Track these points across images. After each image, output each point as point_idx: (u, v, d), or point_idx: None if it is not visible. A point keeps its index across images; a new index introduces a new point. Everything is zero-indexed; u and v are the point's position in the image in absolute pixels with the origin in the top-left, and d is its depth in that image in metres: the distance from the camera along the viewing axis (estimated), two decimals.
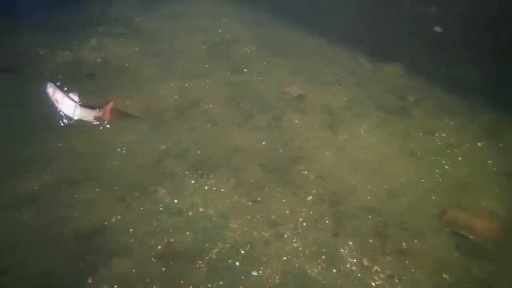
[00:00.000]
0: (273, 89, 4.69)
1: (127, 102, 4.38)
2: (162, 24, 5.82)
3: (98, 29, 5.59)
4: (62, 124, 3.26)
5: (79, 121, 3.32)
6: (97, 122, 3.45)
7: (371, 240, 2.99)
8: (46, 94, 3.23)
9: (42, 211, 3.25)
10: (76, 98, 3.38)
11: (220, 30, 5.74)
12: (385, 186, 3.43)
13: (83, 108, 3.32)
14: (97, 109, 3.37)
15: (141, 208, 3.36)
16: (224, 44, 5.43)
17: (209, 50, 5.29)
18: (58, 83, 3.37)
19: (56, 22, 5.56)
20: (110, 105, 3.43)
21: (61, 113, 3.27)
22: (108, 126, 3.80)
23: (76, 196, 3.40)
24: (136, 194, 3.45)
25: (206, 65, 4.98)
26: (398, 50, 5.56)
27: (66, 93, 3.35)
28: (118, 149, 3.85)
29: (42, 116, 4.11)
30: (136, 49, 5.24)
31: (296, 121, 4.26)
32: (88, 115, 3.34)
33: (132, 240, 3.09)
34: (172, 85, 4.65)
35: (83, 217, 3.25)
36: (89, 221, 3.23)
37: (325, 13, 5.77)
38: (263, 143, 4.01)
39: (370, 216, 3.10)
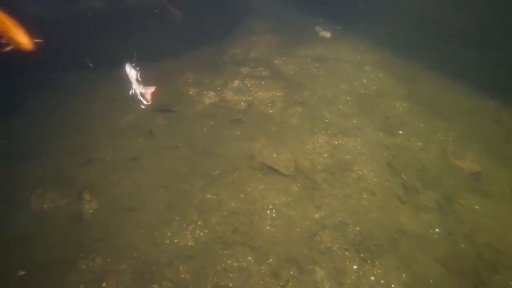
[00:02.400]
0: (438, 159, 4.03)
1: (275, 155, 4.19)
2: (303, 68, 5.65)
3: (240, 69, 5.67)
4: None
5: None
6: (141, 98, 4.04)
7: None
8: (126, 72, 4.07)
9: (199, 273, 3.13)
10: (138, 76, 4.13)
11: (364, 80, 5.32)
12: None
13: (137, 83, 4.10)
14: (143, 87, 4.09)
15: None
16: (370, 97, 4.99)
17: (355, 102, 4.90)
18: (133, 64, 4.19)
19: (202, 62, 5.81)
20: (153, 89, 4.12)
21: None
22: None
23: (229, 261, 3.21)
24: (291, 272, 3.12)
25: (354, 121, 4.58)
26: None
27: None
28: (268, 211, 3.62)
29: (194, 160, 4.18)
30: (279, 94, 5.12)
31: (477, 206, 3.52)
32: (138, 89, 4.09)
33: None
34: (320, 140, 4.34)
35: None
36: None
37: (503, 67, 4.88)
38: (436, 229, 3.37)
39: None
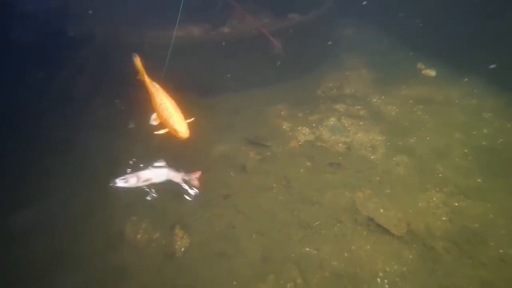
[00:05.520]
0: None
1: (381, 211, 3.68)
2: (406, 109, 5.11)
3: (335, 106, 5.30)
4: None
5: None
6: (187, 186, 3.06)
7: None
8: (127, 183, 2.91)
9: None
10: (162, 163, 3.14)
11: (484, 130, 4.60)
12: None
13: (171, 171, 3.07)
14: (183, 173, 3.08)
15: None
16: (497, 152, 4.24)
17: (476, 157, 4.20)
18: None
19: (294, 95, 5.58)
20: (198, 174, 3.09)
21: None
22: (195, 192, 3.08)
23: None
24: None
25: (478, 179, 3.89)
26: None
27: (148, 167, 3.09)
28: (379, 280, 3.09)
29: (291, 206, 3.82)
30: (379, 138, 4.63)
31: None
32: (177, 177, 3.05)
33: None
34: (434, 199, 3.73)
35: None
36: None
37: None
38: None
39: None
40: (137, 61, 3.37)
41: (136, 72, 3.43)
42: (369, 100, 5.40)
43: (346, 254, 3.32)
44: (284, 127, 4.94)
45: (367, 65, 6.36)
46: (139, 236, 3.55)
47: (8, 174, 4.12)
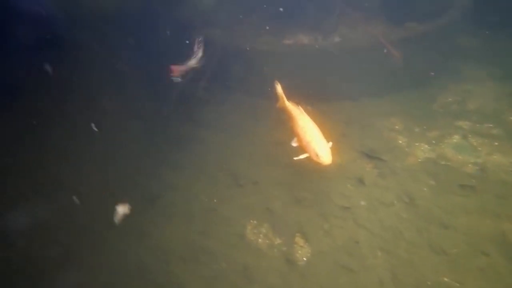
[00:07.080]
0: None
1: None
2: None
3: (457, 123, 4.82)
4: None
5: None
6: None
7: None
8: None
9: None
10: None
11: None
12: None
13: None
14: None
15: None
16: None
17: None
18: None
19: (407, 108, 5.19)
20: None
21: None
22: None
23: None
24: None
25: None
26: None
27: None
28: None
29: (418, 226, 3.52)
30: None
31: None
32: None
33: None
34: None
35: None
36: None
37: None
38: None
39: None
40: (278, 88, 3.43)
41: (276, 98, 3.48)
42: (503, 118, 4.76)
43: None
44: (399, 141, 4.62)
45: (495, 78, 5.64)
46: (260, 240, 3.61)
47: (142, 168, 4.56)
